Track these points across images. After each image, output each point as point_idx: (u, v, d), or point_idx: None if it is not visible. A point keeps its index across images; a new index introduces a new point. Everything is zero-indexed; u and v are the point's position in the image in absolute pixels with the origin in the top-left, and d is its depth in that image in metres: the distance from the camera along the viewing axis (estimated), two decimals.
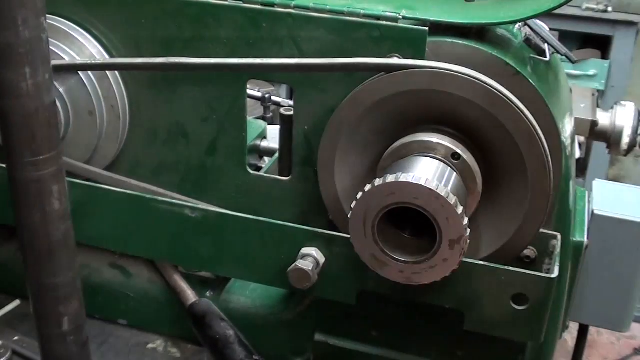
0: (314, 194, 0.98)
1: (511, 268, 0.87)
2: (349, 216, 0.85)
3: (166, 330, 1.15)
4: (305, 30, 0.93)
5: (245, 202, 1.04)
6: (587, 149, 2.83)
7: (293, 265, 0.91)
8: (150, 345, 1.13)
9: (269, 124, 1.37)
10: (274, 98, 2.10)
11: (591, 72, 3.23)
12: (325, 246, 0.92)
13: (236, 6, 0.95)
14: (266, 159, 1.30)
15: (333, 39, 0.92)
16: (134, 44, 1.02)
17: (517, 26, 1.01)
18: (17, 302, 1.18)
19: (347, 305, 0.96)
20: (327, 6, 0.92)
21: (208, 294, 1.13)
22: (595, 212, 1.06)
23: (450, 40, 0.91)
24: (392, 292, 0.92)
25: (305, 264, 0.91)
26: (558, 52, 1.03)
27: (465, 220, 0.81)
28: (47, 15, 0.69)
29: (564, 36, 2.97)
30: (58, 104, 0.92)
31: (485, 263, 0.88)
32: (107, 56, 1.03)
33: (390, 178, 0.81)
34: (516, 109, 0.86)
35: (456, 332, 0.94)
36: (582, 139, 1.30)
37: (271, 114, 2.22)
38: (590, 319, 1.15)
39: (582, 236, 1.05)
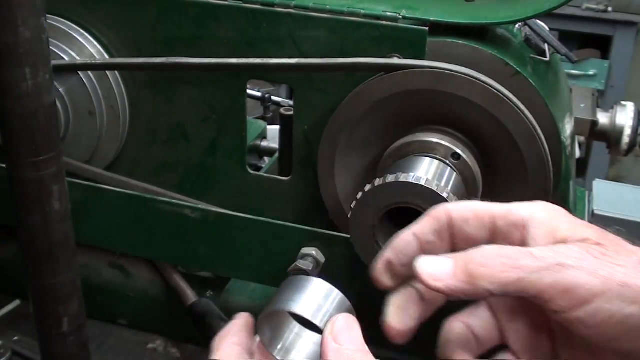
0: (314, 194, 0.98)
1: None
2: (349, 216, 0.85)
3: (166, 330, 1.15)
4: (305, 30, 0.93)
5: (245, 202, 1.04)
6: (587, 149, 2.83)
7: (293, 265, 0.91)
8: (150, 345, 1.13)
9: (269, 124, 1.37)
10: (274, 98, 2.10)
11: (591, 72, 3.23)
12: (325, 246, 0.92)
13: (236, 6, 0.95)
14: (266, 159, 1.30)
15: (333, 39, 0.92)
16: (134, 44, 1.02)
17: (517, 26, 1.01)
18: (17, 302, 1.17)
19: None
20: (327, 6, 0.92)
21: (208, 294, 1.13)
22: (595, 212, 1.06)
23: (450, 40, 0.91)
24: None
25: (305, 264, 0.91)
26: (558, 52, 1.03)
27: None
28: (47, 15, 0.69)
29: (564, 36, 2.97)
30: (58, 104, 0.92)
31: None
32: (107, 56, 1.03)
33: (390, 178, 0.81)
34: (516, 109, 0.86)
35: None
36: (582, 139, 1.30)
37: (271, 114, 2.22)
38: None
39: None
